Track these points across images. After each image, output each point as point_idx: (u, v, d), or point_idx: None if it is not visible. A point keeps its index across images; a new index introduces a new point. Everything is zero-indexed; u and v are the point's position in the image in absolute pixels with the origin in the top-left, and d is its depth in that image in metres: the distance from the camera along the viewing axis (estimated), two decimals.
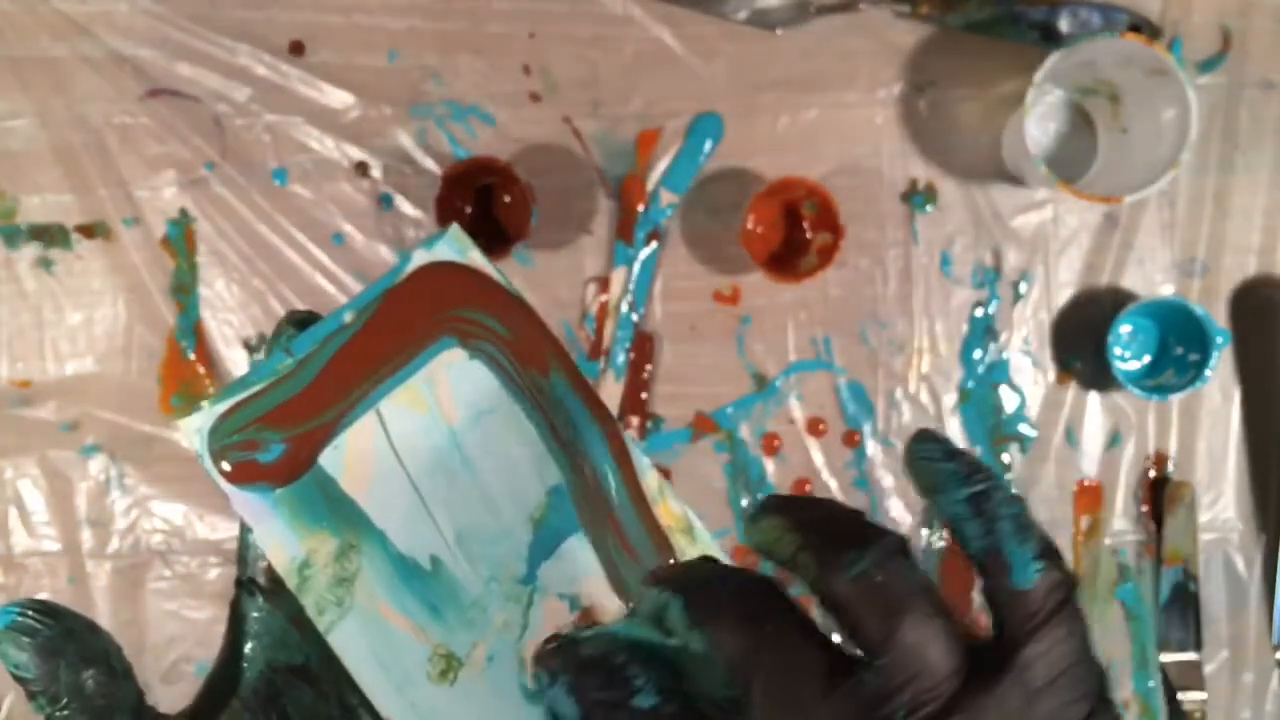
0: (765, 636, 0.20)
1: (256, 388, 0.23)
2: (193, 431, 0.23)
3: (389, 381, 0.24)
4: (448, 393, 0.24)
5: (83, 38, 0.67)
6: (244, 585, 0.25)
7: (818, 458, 0.70)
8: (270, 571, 0.25)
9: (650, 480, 0.26)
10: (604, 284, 0.69)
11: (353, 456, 0.24)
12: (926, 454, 0.22)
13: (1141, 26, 0.67)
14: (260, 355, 0.70)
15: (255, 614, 0.25)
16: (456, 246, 0.25)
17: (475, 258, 0.25)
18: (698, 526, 0.27)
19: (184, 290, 0.69)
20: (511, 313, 0.25)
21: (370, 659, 0.23)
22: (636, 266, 0.69)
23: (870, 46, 0.68)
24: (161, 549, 0.70)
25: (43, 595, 0.70)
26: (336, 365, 0.24)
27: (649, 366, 0.69)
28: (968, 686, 0.19)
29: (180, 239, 0.69)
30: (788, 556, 0.21)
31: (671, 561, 0.26)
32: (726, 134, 0.68)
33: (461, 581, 0.24)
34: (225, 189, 0.68)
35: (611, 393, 0.69)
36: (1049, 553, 0.21)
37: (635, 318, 0.69)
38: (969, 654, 0.20)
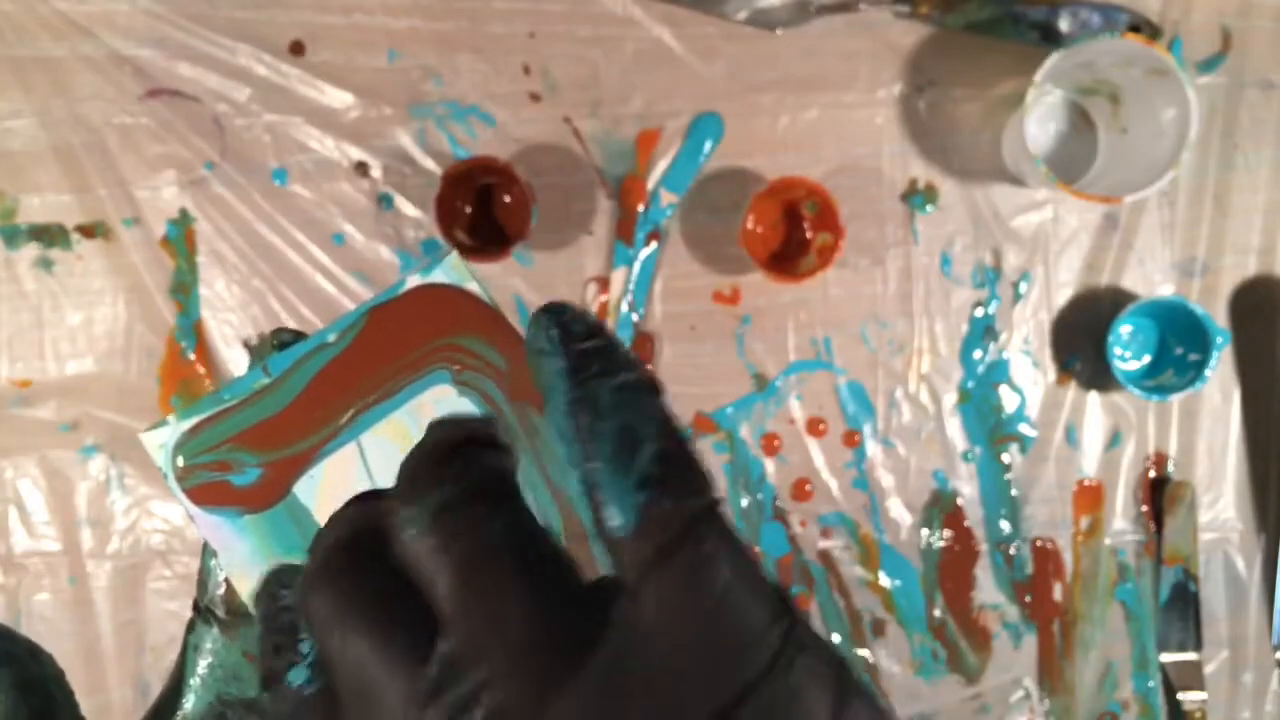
0: (345, 625, 0.16)
1: (229, 404, 0.22)
2: (156, 446, 0.22)
3: (374, 411, 0.23)
4: None
5: (83, 38, 0.67)
6: (200, 613, 0.24)
7: (818, 458, 0.70)
8: (229, 601, 0.24)
9: None
10: (604, 284, 0.69)
11: (329, 486, 0.23)
12: (539, 343, 0.17)
13: (1141, 26, 0.67)
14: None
15: (209, 644, 0.24)
16: (455, 275, 0.23)
17: (474, 289, 0.23)
18: None
19: (184, 290, 0.69)
20: (512, 344, 0.23)
21: None
22: (636, 266, 0.69)
23: (870, 46, 0.68)
24: (161, 549, 0.70)
25: (43, 595, 0.70)
26: (317, 387, 0.22)
27: (649, 367, 0.69)
28: (559, 668, 0.15)
29: (180, 239, 0.69)
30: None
31: None
32: (726, 134, 0.68)
33: None
34: (225, 189, 0.68)
35: None
36: (665, 475, 0.16)
37: (635, 318, 0.69)
38: (581, 618, 0.15)
